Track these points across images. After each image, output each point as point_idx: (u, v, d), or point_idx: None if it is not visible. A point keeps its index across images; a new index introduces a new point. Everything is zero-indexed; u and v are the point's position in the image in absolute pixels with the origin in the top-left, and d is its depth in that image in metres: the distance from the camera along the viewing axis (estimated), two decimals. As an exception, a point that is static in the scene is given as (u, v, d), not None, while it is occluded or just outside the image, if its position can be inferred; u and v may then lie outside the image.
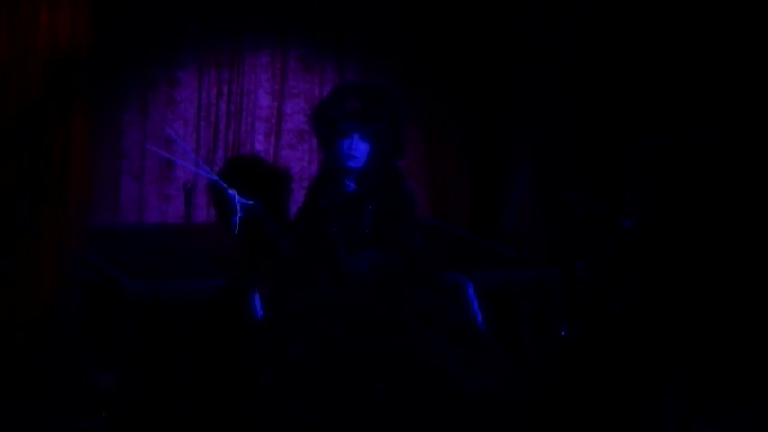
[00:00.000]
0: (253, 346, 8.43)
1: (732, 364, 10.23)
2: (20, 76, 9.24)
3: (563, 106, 11.56)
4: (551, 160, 11.48)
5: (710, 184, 10.92)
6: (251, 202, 8.54)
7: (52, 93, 9.38)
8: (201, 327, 9.08)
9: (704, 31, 11.02)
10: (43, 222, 9.34)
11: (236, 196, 8.49)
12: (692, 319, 10.30)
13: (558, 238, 11.03)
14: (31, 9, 9.28)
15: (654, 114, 11.15)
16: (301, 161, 11.13)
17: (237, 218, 8.48)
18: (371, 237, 8.29)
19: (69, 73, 9.37)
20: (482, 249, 10.84)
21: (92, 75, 9.58)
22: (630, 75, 11.30)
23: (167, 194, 10.90)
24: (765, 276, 10.63)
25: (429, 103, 11.65)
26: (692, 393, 9.44)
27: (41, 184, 9.32)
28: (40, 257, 9.34)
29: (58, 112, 9.36)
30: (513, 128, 11.87)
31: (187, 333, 9.09)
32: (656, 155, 11.03)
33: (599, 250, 9.68)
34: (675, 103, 11.11)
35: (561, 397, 9.31)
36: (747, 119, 11.07)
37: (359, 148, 8.14)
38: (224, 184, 8.59)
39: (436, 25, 11.71)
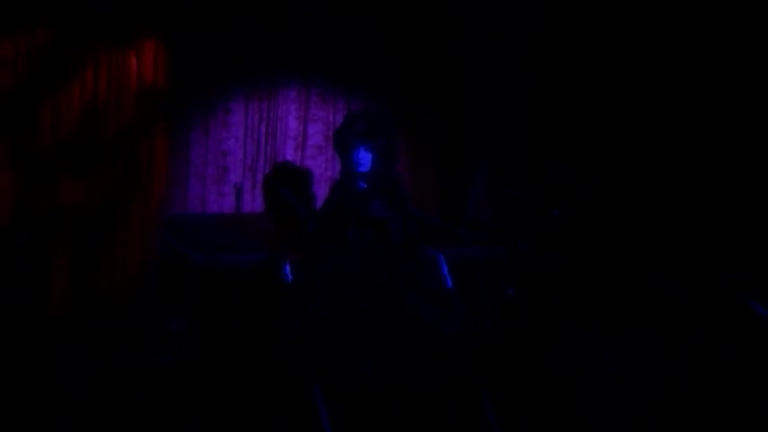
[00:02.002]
0: (284, 302, 9.36)
1: (628, 307, 10.47)
2: (117, 106, 9.97)
3: (513, 126, 12.11)
4: (502, 167, 12.17)
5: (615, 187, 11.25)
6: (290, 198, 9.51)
7: (140, 118, 10.12)
8: (246, 288, 10.09)
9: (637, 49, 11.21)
10: (134, 212, 10.12)
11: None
12: (601, 277, 10.80)
13: (505, 224, 11.63)
14: (124, 58, 9.90)
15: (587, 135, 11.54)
16: (320, 167, 12.07)
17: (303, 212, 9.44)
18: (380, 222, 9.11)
19: (152, 104, 10.13)
20: (450, 232, 11.83)
21: (168, 105, 10.37)
22: (576, 98, 11.64)
23: (222, 192, 11.92)
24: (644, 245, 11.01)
25: (411, 125, 12.48)
26: (602, 330, 10.05)
27: (132, 184, 10.10)
28: (131, 238, 10.12)
29: (145, 132, 10.15)
30: (473, 144, 12.47)
31: (236, 293, 10.15)
32: (580, 167, 11.16)
33: (535, 232, 10.52)
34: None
35: (508, 339, 10.01)
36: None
37: (365, 158, 8.94)
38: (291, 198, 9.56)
39: (416, 66, 12.29)
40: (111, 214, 10.07)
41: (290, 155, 12.19)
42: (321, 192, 11.25)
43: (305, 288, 9.27)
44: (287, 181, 10.47)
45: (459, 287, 10.01)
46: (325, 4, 11.81)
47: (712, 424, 8.90)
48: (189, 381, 9.60)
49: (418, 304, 9.06)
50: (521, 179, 11.36)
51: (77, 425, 9.15)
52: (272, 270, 9.80)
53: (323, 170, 12.22)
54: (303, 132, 12.29)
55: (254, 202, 11.98)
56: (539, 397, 9.33)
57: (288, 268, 9.66)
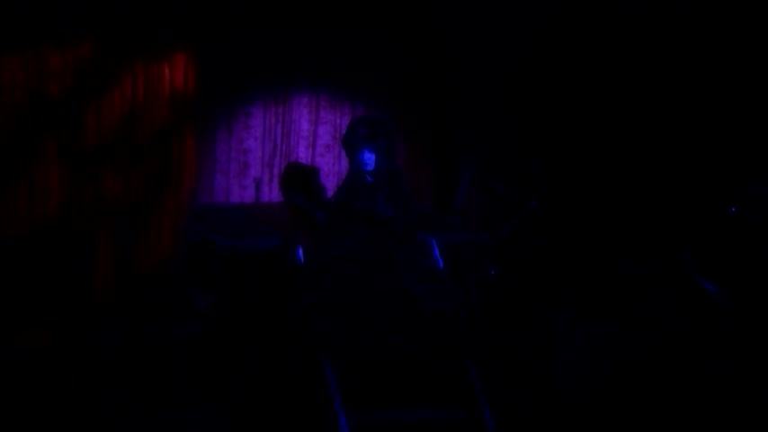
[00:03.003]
0: (297, 281, 9.61)
1: (594, 284, 10.48)
2: (153, 111, 10.37)
3: (497, 128, 12.16)
4: (487, 164, 12.17)
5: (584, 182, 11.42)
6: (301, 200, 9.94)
7: (172, 121, 10.48)
8: (264, 269, 10.30)
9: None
10: (166, 202, 10.49)
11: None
12: (571, 259, 10.91)
13: (489, 213, 11.84)
14: (159, 69, 10.24)
15: (564, 133, 11.56)
16: (328, 164, 12.14)
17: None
18: (384, 211, 9.37)
19: (182, 108, 10.48)
20: (441, 220, 11.87)
21: (196, 109, 10.68)
22: (557, 101, 11.62)
23: (244, 185, 11.94)
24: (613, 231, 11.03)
25: (408, 128, 12.47)
26: (571, 304, 10.16)
27: (165, 178, 10.48)
28: (164, 224, 10.50)
29: (176, 133, 10.51)
30: (462, 143, 12.58)
31: (255, 273, 10.34)
32: (556, 163, 11.33)
33: (515, 221, 10.77)
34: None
35: (490, 312, 10.22)
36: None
37: (370, 158, 9.30)
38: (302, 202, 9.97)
39: (411, 75, 12.32)
40: (146, 204, 10.40)
41: (303, 153, 12.29)
42: (330, 184, 11.54)
43: (315, 269, 9.49)
44: (300, 180, 10.57)
45: (449, 267, 10.10)
46: (332, 24, 11.76)
47: (667, 384, 9.02)
48: (214, 349, 9.94)
49: (414, 282, 9.32)
50: (503, 175, 11.29)
51: (117, 387, 9.34)
52: (287, 253, 9.99)
53: (331, 166, 12.32)
54: (314, 133, 12.40)
55: (271, 194, 12.10)
56: (516, 361, 9.57)
57: (300, 252, 9.83)
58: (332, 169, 12.02)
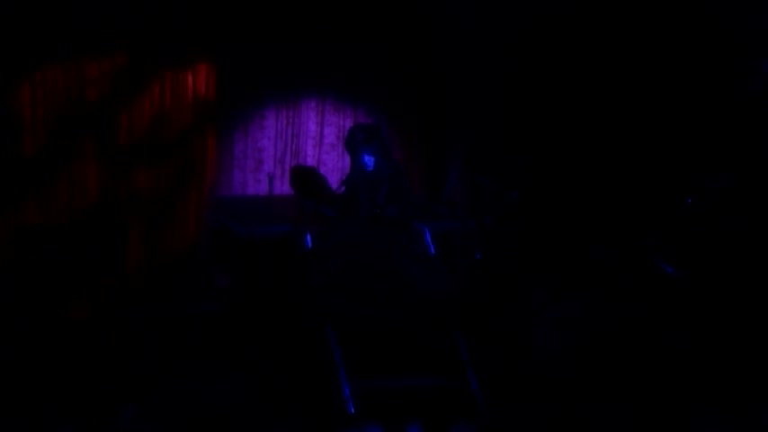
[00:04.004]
0: (305, 263, 9.83)
1: (568, 266, 10.35)
2: (178, 114, 10.49)
3: (481, 128, 12.09)
4: (472, 160, 12.12)
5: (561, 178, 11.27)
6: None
7: (195, 123, 10.57)
8: (276, 253, 10.35)
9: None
10: (190, 194, 10.61)
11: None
12: (547, 244, 10.69)
13: (474, 203, 11.73)
14: (183, 77, 10.35)
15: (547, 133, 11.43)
16: (333, 160, 12.18)
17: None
18: (385, 203, 9.74)
19: (204, 112, 10.58)
20: (432, 209, 11.86)
21: (217, 113, 10.77)
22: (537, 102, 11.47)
23: (258, 179, 11.97)
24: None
25: (403, 128, 12.46)
26: (547, 284, 10.04)
27: (189, 173, 10.58)
28: (188, 214, 10.61)
29: (198, 133, 10.61)
30: (450, 141, 12.63)
31: (268, 257, 10.39)
32: (535, 159, 11.23)
33: (498, 210, 10.79)
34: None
35: (476, 291, 10.11)
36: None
37: (369, 159, 9.73)
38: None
39: (406, 81, 12.32)
40: (172, 196, 10.53)
41: (310, 151, 12.25)
42: (334, 177, 11.66)
43: (321, 253, 9.72)
44: (308, 183, 10.64)
45: (439, 252, 10.27)
46: (336, 39, 11.76)
47: (630, 353, 9.26)
48: (232, 324, 10.04)
49: (408, 265, 9.56)
50: (486, 169, 11.26)
51: (149, 355, 9.57)
52: (296, 239, 10.11)
53: (335, 162, 12.26)
54: (320, 133, 12.34)
55: (283, 187, 12.02)
56: (499, 334, 9.69)
57: (308, 238, 10.00)
58: (336, 165, 12.06)
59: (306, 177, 10.79)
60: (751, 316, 9.60)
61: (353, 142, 9.77)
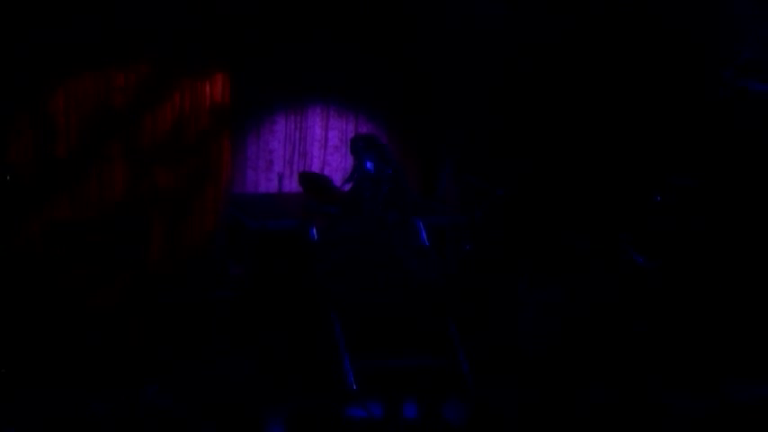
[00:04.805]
0: (312, 254, 9.91)
1: (549, 257, 10.44)
2: (196, 119, 10.58)
3: (471, 132, 11.93)
4: (463, 161, 11.91)
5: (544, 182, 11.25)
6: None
7: (212, 127, 10.66)
8: (285, 245, 10.38)
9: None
10: (207, 191, 10.69)
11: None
12: (530, 237, 10.84)
13: (464, 200, 11.53)
14: (201, 85, 10.42)
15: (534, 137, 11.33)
16: (336, 161, 11.97)
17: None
18: (386, 201, 9.74)
19: (220, 117, 10.66)
20: (427, 205, 11.76)
21: (231, 118, 10.83)
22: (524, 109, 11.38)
23: (269, 178, 11.81)
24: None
25: (400, 131, 12.22)
26: (530, 273, 10.14)
27: (207, 172, 10.68)
28: (206, 209, 10.69)
29: (215, 136, 10.68)
30: (443, 144, 12.42)
31: (278, 248, 10.42)
32: (519, 161, 11.19)
33: (485, 206, 10.67)
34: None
35: (466, 280, 10.29)
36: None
37: (370, 164, 9.78)
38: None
39: (403, 88, 12.07)
40: (192, 193, 10.62)
41: (316, 152, 12.07)
42: (338, 176, 11.52)
43: (326, 245, 9.82)
44: (314, 186, 10.47)
45: (433, 244, 10.24)
46: (340, 53, 11.66)
47: (603, 337, 9.51)
48: (244, 309, 10.17)
49: (405, 256, 9.68)
50: (475, 170, 11.16)
51: (170, 337, 9.73)
52: (304, 232, 10.12)
53: (338, 163, 12.12)
54: (325, 137, 12.20)
55: (291, 185, 11.92)
56: (486, 318, 9.90)
57: (314, 231, 10.05)
58: (339, 165, 11.95)
59: (313, 181, 10.74)
60: (714, 301, 9.76)
61: (356, 149, 9.96)
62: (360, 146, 10.01)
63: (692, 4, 10.19)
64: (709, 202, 9.93)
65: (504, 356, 9.52)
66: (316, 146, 12.02)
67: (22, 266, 9.81)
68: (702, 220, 9.87)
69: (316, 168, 11.89)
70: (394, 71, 12.07)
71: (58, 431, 7.85)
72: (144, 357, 9.40)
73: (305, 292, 9.75)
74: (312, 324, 9.55)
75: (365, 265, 9.52)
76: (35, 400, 8.46)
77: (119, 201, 10.22)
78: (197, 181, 10.57)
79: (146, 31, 10.11)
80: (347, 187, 9.99)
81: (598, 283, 9.91)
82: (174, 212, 10.49)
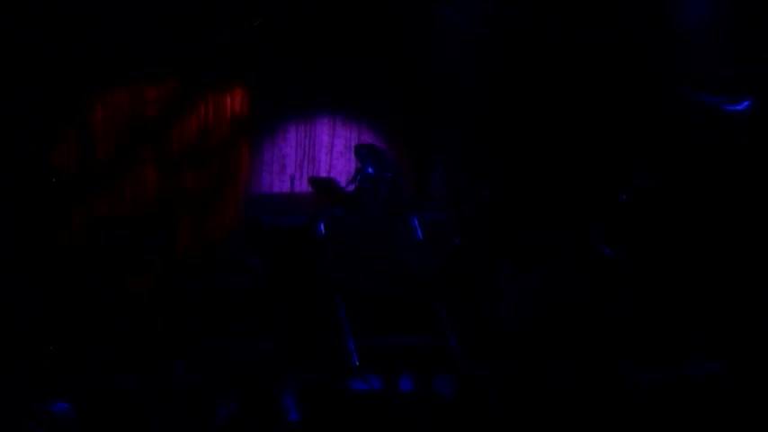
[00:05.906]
0: (318, 247, 10.25)
1: (529, 249, 10.29)
2: (218, 127, 10.86)
3: (461, 136, 12.11)
4: (453, 163, 12.14)
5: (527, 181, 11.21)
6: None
7: (232, 135, 10.92)
8: (296, 239, 10.67)
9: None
10: (228, 192, 10.94)
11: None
12: (512, 231, 10.67)
13: (454, 198, 11.71)
14: (223, 98, 10.66)
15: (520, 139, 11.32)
16: (341, 165, 12.38)
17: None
18: (385, 200, 10.10)
19: (239, 126, 10.95)
20: (421, 203, 12.02)
21: (249, 127, 11.09)
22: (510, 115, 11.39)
23: (282, 180, 12.22)
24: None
25: (396, 138, 12.56)
26: (513, 263, 10.06)
27: (227, 175, 10.91)
28: (226, 207, 10.92)
29: (235, 143, 10.95)
30: (435, 147, 12.76)
31: (290, 241, 10.68)
32: (502, 163, 11.24)
33: (473, 204, 10.97)
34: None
35: (456, 270, 10.37)
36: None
37: (370, 168, 10.27)
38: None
39: (400, 98, 12.35)
40: (214, 193, 10.95)
41: (323, 157, 12.34)
42: (342, 178, 11.82)
43: (332, 238, 10.21)
44: (322, 188, 10.77)
45: (426, 237, 10.65)
46: (346, 70, 11.87)
47: (578, 321, 9.33)
48: (260, 295, 10.32)
49: (401, 248, 10.11)
50: (464, 171, 11.34)
51: (196, 320, 9.82)
52: (312, 227, 10.50)
53: (343, 166, 12.41)
54: (331, 144, 12.45)
55: (301, 186, 12.20)
56: (473, 303, 10.06)
57: (322, 226, 10.40)
58: (344, 168, 12.21)
59: (322, 183, 10.99)
60: (675, 288, 9.67)
61: (360, 156, 10.41)
62: (363, 152, 10.42)
63: (649, 25, 10.19)
64: (668, 201, 9.94)
65: (488, 336, 9.66)
66: (323, 151, 12.21)
67: (67, 257, 9.95)
68: (663, 216, 9.88)
69: (323, 171, 12.09)
70: (393, 86, 12.23)
71: (99, 401, 7.78)
72: (173, 337, 9.53)
73: (313, 279, 9.93)
74: (319, 308, 9.73)
75: (366, 256, 9.82)
76: (79, 373, 8.57)
77: (150, 199, 10.45)
78: (219, 182, 10.75)
79: (174, 51, 10.30)
80: (351, 188, 10.27)
81: (572, 271, 9.94)
82: (199, 209, 10.69)
